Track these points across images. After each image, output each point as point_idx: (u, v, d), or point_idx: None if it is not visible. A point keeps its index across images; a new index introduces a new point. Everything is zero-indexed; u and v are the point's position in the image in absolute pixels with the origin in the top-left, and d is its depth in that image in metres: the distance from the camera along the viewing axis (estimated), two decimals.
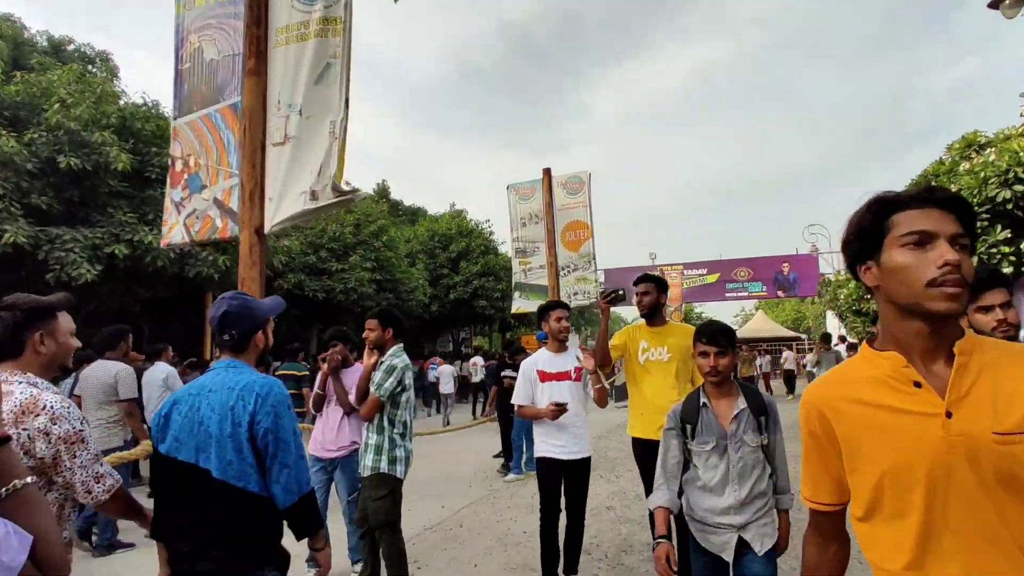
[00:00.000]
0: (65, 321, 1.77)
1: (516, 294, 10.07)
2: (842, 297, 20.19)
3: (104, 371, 4.62)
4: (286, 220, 3.36)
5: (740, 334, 33.19)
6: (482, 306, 19.58)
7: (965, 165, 10.08)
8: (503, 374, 8.30)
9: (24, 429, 1.54)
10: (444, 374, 13.51)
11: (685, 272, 26.33)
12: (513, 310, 10.12)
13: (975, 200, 9.27)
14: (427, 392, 14.86)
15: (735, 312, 53.45)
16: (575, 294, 9.68)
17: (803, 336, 35.29)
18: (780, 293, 32.58)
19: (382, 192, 35.69)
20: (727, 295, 33.49)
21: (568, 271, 9.78)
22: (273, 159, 3.49)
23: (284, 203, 3.42)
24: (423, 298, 15.98)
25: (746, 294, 33.30)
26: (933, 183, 11.19)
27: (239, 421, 1.72)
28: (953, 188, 10.94)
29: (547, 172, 9.78)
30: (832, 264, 30.82)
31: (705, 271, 32.80)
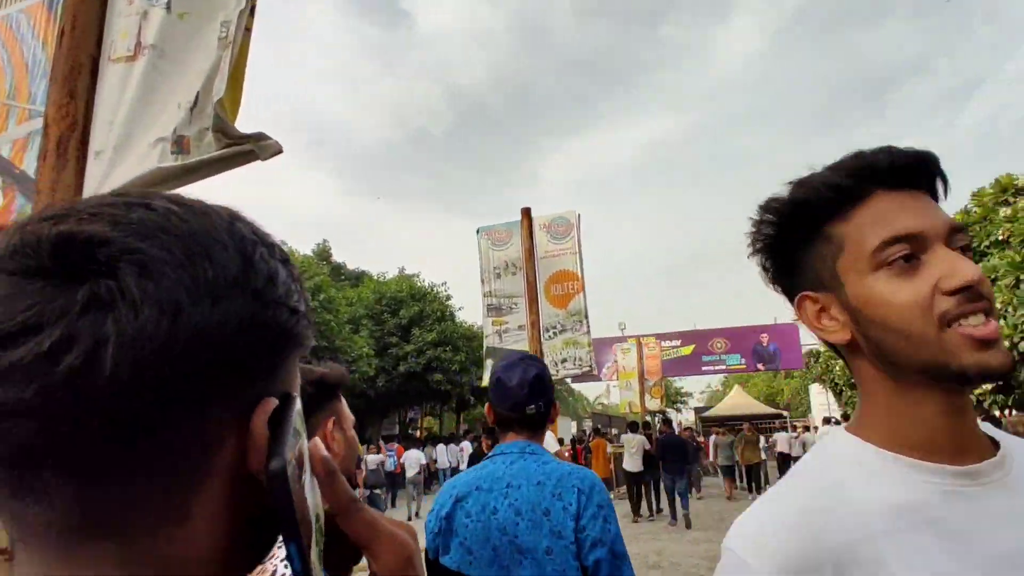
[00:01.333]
0: (344, 404, 1.43)
1: (488, 362, 8.54)
2: (837, 370, 19.46)
3: None
4: (127, 189, 1.80)
5: (716, 412, 32.15)
6: (437, 381, 17.80)
7: (1004, 211, 9.42)
8: None
9: None
10: (411, 460, 12.76)
11: (661, 344, 25.27)
12: (484, 383, 8.55)
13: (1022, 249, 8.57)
14: (393, 482, 13.52)
15: (700, 388, 52.83)
16: (563, 361, 8.23)
17: (784, 413, 34.45)
18: (760, 366, 31.98)
19: (322, 253, 34.04)
20: (704, 368, 32.62)
21: (554, 332, 8.38)
22: (111, 86, 2.04)
23: (124, 159, 1.96)
24: (368, 370, 14.21)
25: (724, 367, 32.57)
26: None
27: (559, 529, 1.41)
28: (991, 239, 10.40)
29: (526, 213, 8.53)
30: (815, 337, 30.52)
31: (679, 342, 31.99)
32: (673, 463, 11.18)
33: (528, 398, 1.62)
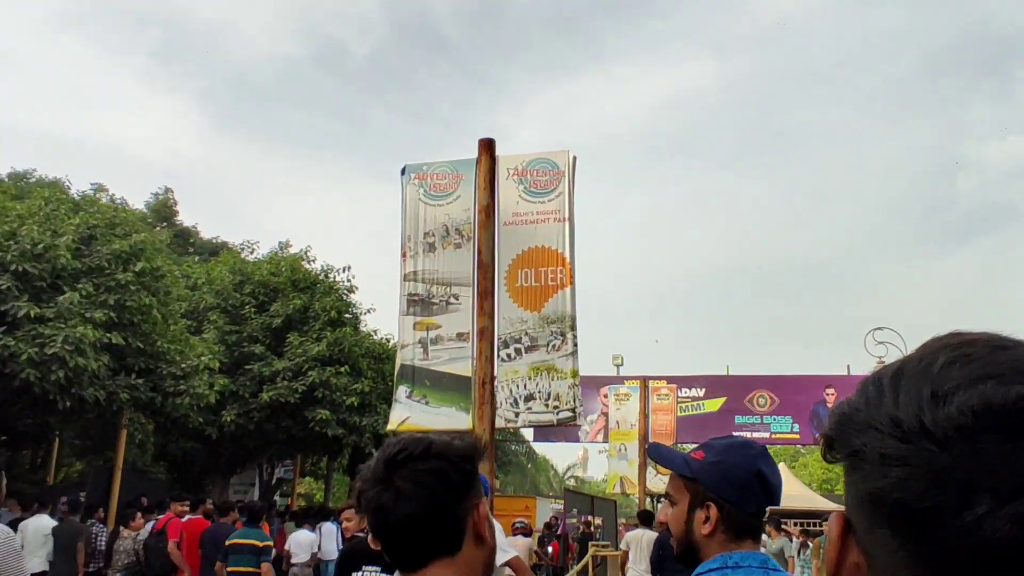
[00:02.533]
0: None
1: (401, 390, 7.54)
2: None
3: None
4: None
5: None
6: (322, 419, 16.58)
7: None
8: None
9: None
10: (299, 544, 12.81)
11: (678, 392, 24.52)
12: (392, 424, 7.54)
13: None
14: None
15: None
16: (528, 399, 7.29)
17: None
18: (819, 435, 31.50)
19: (161, 208, 32.45)
20: (735, 433, 32.01)
21: (518, 350, 7.42)
22: None
23: None
24: (207, 394, 12.92)
25: (767, 435, 32.03)
26: None
27: None
28: None
29: (487, 147, 7.55)
30: None
31: (703, 392, 31.41)
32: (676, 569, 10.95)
33: (778, 499, 1.92)
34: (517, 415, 7.24)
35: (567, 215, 7.64)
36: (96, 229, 12.38)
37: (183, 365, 12.82)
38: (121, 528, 10.84)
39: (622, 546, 13.32)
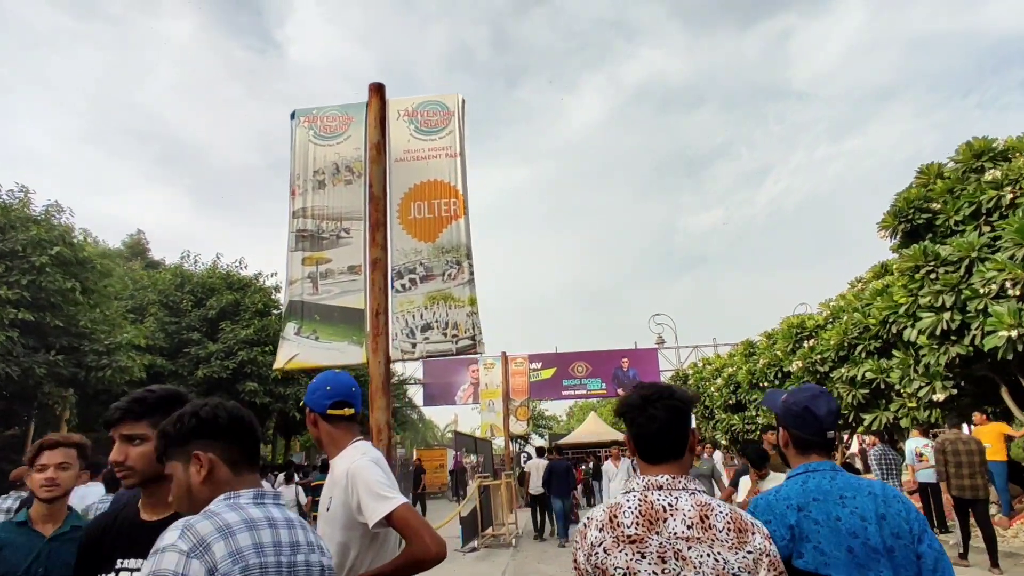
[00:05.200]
0: None
1: (289, 327, 4.58)
2: (712, 391, 17.48)
3: None
4: None
5: (572, 439, 29.56)
6: (250, 391, 13.00)
7: (992, 174, 7.34)
8: None
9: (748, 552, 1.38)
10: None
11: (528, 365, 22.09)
12: (280, 363, 4.54)
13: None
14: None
15: (563, 412, 49.95)
16: (425, 328, 4.53)
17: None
18: (620, 391, 29.97)
19: (135, 245, 27.26)
20: (564, 392, 29.97)
21: (412, 280, 4.64)
22: None
23: None
24: (131, 366, 9.27)
25: (584, 391, 30.15)
26: (925, 206, 8.78)
27: (896, 531, 1.62)
28: (960, 214, 8.50)
29: (377, 90, 4.81)
30: (673, 361, 29.17)
31: (540, 365, 29.11)
32: (560, 486, 11.28)
33: (832, 425, 1.80)
34: (414, 346, 4.45)
35: (458, 150, 4.97)
36: (16, 220, 8.67)
37: (106, 342, 9.20)
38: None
39: (527, 469, 13.16)
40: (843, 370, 10.71)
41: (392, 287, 4.52)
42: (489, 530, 11.49)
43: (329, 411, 1.92)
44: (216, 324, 13.82)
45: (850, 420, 11.22)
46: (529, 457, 27.91)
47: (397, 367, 30.74)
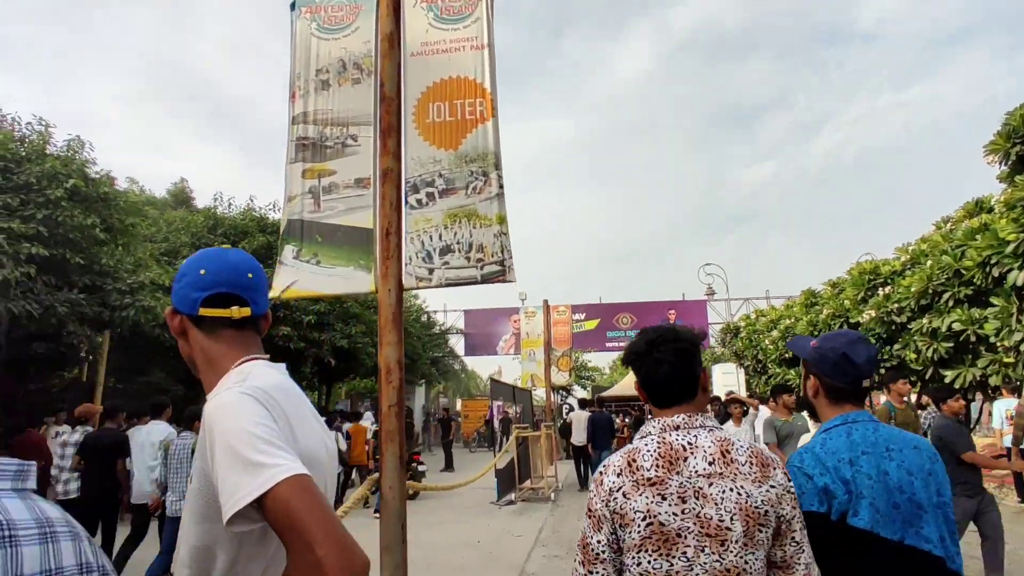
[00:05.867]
0: None
1: (287, 250, 3.90)
2: (767, 344, 16.39)
3: None
4: None
5: (616, 392, 28.94)
6: (284, 336, 12.71)
7: None
8: None
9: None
10: None
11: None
12: (275, 291, 3.86)
13: None
14: None
15: (607, 365, 49.02)
16: (445, 251, 3.78)
17: None
18: None
19: (179, 193, 27.39)
20: (608, 344, 29.26)
21: (430, 195, 3.88)
22: None
23: None
24: (155, 305, 8.88)
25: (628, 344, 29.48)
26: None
27: (938, 487, 1.57)
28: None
29: None
30: (723, 313, 27.93)
31: (583, 316, 28.42)
32: (602, 439, 11.16)
33: (869, 373, 1.71)
34: (431, 272, 3.71)
35: (486, 41, 4.09)
36: (33, 152, 8.26)
37: (128, 281, 8.85)
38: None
39: (568, 420, 13.18)
40: (924, 321, 9.58)
41: (406, 203, 3.77)
42: (527, 483, 11.02)
43: (202, 310, 1.15)
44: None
45: (926, 376, 10.13)
46: (571, 409, 27.49)
47: (439, 315, 30.40)
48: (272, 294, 4.00)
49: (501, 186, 3.83)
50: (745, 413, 9.49)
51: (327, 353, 13.68)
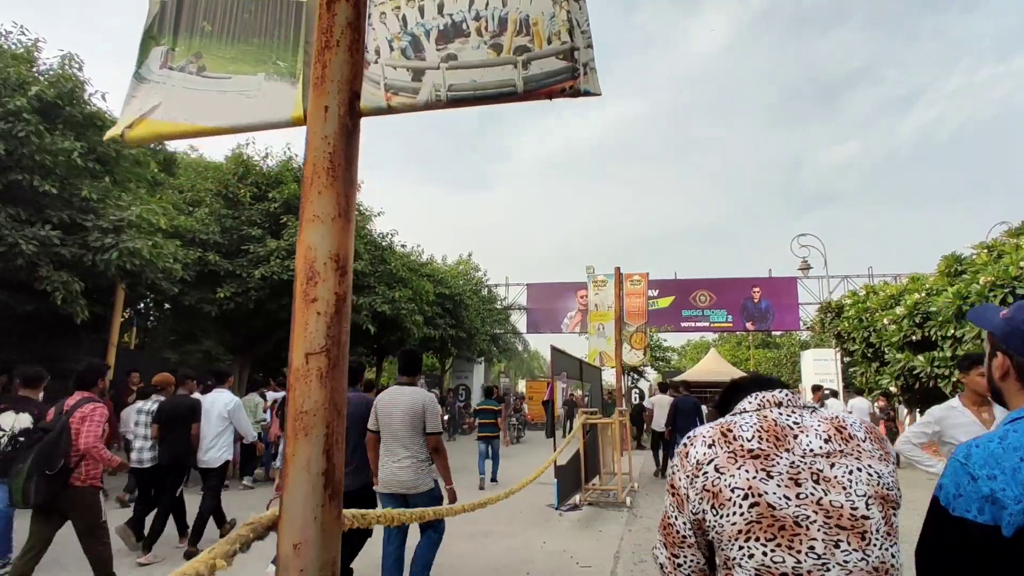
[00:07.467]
0: None
1: (153, 56, 1.97)
2: (887, 321, 13.65)
3: None
4: None
5: (689, 376, 26.44)
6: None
7: None
8: None
9: None
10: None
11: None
12: (117, 128, 1.94)
13: None
14: None
15: (682, 345, 45.84)
16: (445, 39, 1.73)
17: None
18: (749, 325, 26.04)
19: (237, 159, 26.59)
20: (683, 324, 26.51)
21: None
22: None
23: None
24: (170, 265, 7.39)
25: (707, 324, 26.47)
26: None
27: None
28: None
29: None
30: (816, 292, 24.79)
31: (656, 293, 25.89)
32: (685, 425, 10.42)
33: None
34: (419, 74, 1.69)
35: None
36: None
37: (112, 217, 7.40)
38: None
39: (647, 405, 12.31)
40: None
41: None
42: (594, 481, 9.04)
43: None
44: (279, 219, 12.03)
45: None
46: (642, 394, 25.11)
47: (500, 288, 28.45)
48: (109, 133, 2.10)
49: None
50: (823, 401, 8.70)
51: (366, 320, 12.08)
